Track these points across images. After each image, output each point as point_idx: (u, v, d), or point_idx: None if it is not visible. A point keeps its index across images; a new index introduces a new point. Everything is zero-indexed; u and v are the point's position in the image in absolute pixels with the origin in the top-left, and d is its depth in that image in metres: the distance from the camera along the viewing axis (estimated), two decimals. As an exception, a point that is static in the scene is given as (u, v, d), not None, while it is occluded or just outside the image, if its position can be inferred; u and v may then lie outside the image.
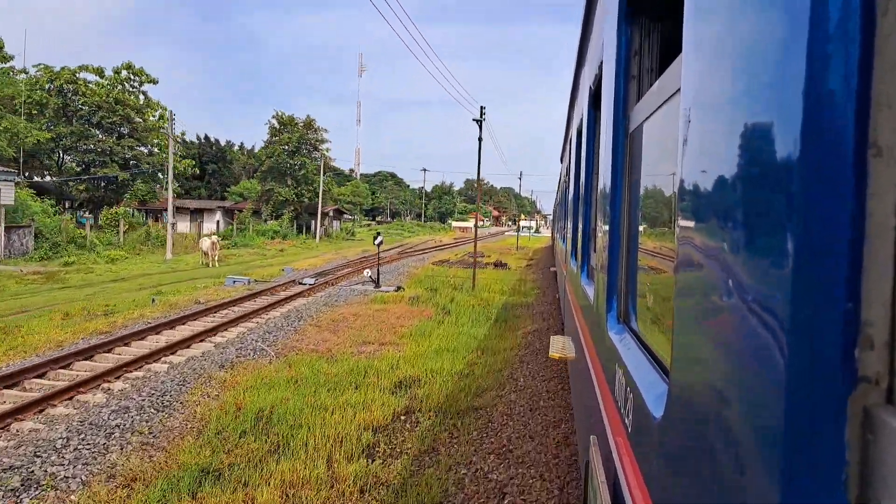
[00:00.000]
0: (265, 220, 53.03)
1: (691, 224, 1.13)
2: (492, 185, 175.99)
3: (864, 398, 0.57)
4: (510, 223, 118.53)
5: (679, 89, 1.26)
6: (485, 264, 31.07)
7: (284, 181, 54.26)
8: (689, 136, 1.14)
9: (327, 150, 56.86)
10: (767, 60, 0.78)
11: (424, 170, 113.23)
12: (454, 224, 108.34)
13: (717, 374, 0.95)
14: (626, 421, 1.79)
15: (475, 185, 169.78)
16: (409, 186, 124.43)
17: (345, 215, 66.76)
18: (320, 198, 53.04)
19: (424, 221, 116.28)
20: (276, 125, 54.92)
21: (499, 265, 30.54)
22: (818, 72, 0.64)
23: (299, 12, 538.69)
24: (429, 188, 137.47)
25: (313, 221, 56.51)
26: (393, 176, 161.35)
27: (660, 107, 1.72)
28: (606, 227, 2.45)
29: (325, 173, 56.83)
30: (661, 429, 1.31)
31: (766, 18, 0.80)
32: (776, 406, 0.70)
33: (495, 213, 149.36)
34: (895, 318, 0.56)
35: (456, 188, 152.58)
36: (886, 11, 0.56)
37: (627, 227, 2.28)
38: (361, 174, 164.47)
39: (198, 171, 50.10)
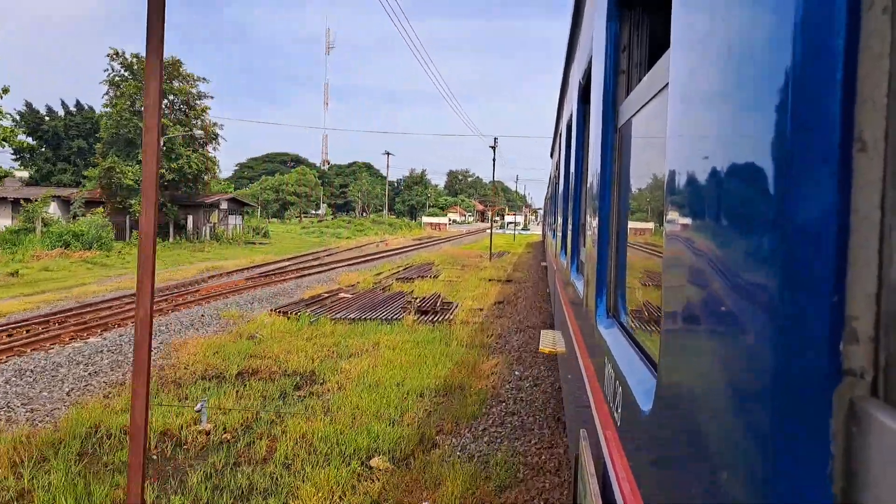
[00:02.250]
0: (73, 216, 33.66)
1: (679, 219, 1.14)
2: (478, 178, 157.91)
3: (850, 391, 0.58)
4: (498, 218, 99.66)
5: (668, 84, 1.27)
6: (408, 302, 12.92)
7: (135, 156, 34.62)
8: (678, 131, 1.16)
9: (205, 109, 37.14)
10: (754, 55, 0.78)
11: (387, 153, 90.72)
12: (425, 220, 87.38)
13: (705, 368, 0.96)
14: (616, 415, 1.80)
15: (458, 176, 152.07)
16: (385, 178, 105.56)
17: (292, 208, 47.81)
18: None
19: (394, 215, 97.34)
20: (123, 73, 34.63)
21: (433, 311, 12.36)
22: (804, 66, 0.64)
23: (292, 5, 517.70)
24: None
25: (189, 217, 37.68)
26: (368, 167, 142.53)
27: (649, 102, 1.73)
28: (596, 222, 2.47)
29: (205, 144, 37.88)
30: (649, 422, 1.33)
31: (752, 13, 0.80)
32: (762, 399, 0.71)
33: (479, 206, 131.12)
34: (880, 312, 0.57)
35: (440, 184, 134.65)
36: (871, 6, 0.56)
37: (616, 222, 2.30)
38: (333, 164, 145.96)
39: (32, 145, 31.17)
